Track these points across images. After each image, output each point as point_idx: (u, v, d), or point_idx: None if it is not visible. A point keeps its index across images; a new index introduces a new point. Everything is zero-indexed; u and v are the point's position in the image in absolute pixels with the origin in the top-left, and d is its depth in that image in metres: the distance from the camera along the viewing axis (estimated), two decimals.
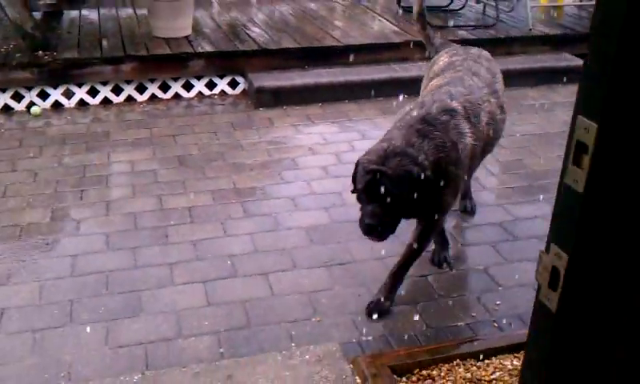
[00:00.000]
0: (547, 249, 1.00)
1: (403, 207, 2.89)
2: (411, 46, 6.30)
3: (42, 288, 3.36)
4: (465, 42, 6.49)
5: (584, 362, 1.02)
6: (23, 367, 2.84)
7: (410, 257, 3.22)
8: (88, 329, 3.07)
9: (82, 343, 2.98)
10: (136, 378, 2.71)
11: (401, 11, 7.49)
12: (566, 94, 6.15)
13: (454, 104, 3.10)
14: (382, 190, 2.79)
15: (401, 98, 4.53)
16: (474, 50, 3.77)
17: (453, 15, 7.45)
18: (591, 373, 1.02)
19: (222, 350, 2.95)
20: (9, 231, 3.86)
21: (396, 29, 6.92)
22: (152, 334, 3.04)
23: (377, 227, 2.86)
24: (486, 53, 3.79)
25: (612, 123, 0.87)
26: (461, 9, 7.56)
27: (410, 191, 2.81)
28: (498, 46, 6.57)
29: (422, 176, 2.81)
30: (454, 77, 3.40)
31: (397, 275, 3.23)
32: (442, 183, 2.93)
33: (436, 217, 3.15)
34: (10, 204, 4.17)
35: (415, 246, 3.18)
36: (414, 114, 3.06)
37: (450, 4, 7.63)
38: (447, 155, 2.96)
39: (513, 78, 6.23)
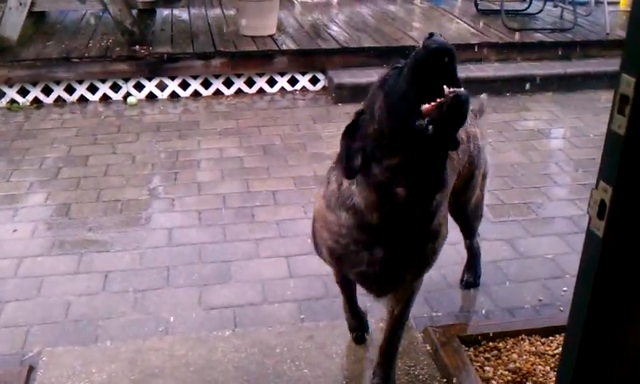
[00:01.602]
0: (597, 185, 1.22)
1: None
2: (487, 47, 6.49)
3: (141, 255, 3.73)
4: (542, 45, 6.64)
5: (627, 283, 1.24)
6: (126, 321, 3.19)
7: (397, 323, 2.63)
8: (183, 291, 3.40)
9: (177, 303, 3.31)
10: (227, 333, 3.02)
11: (478, 13, 7.66)
12: None
13: None
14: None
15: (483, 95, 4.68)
16: None
17: (530, 19, 7.55)
18: (632, 291, 1.23)
19: (302, 316, 3.22)
20: (111, 205, 4.26)
21: (473, 30, 7.08)
22: (240, 299, 3.35)
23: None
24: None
25: None
26: (538, 13, 7.64)
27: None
28: (574, 49, 6.66)
29: None
30: None
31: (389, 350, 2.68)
32: None
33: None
34: (111, 182, 4.59)
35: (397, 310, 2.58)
36: None
37: (527, 8, 7.72)
38: None
39: (588, 81, 6.35)
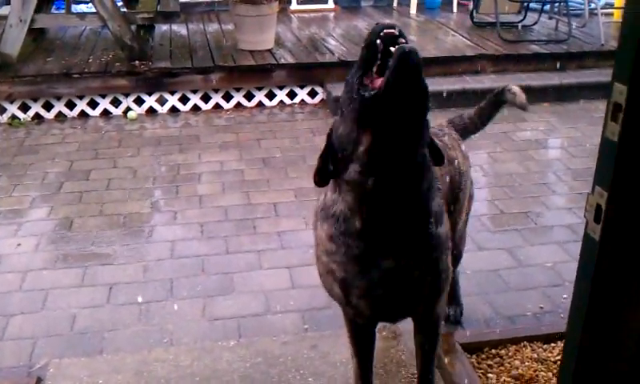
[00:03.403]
0: (593, 191, 1.27)
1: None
2: (483, 59, 6.57)
3: (145, 268, 3.76)
4: (537, 56, 6.72)
5: (624, 283, 1.28)
6: (131, 333, 3.22)
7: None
8: (187, 303, 3.44)
9: (181, 315, 3.35)
10: (232, 343, 3.05)
11: (474, 26, 7.76)
12: None
13: None
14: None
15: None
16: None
17: (526, 30, 7.63)
18: (628, 292, 1.28)
19: (306, 326, 3.25)
20: (114, 219, 4.30)
21: (469, 42, 7.16)
22: (243, 310, 3.38)
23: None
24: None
25: (638, 86, 1.15)
26: (534, 24, 7.73)
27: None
28: (570, 60, 6.75)
29: None
30: None
31: None
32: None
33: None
34: (113, 196, 4.62)
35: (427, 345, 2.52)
36: None
37: (522, 20, 7.81)
38: None
39: (584, 91, 6.43)
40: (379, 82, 1.78)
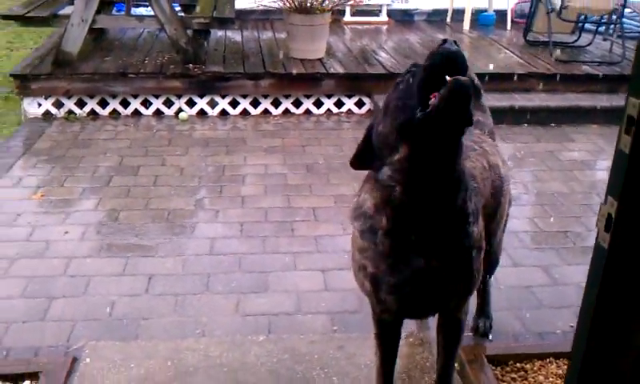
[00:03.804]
0: (605, 201, 1.30)
1: None
2: (534, 77, 6.55)
3: (184, 262, 3.88)
4: (589, 77, 6.65)
5: (629, 290, 1.31)
6: (166, 322, 3.33)
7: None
8: (221, 298, 3.53)
9: (215, 308, 3.44)
10: (261, 338, 3.13)
11: (526, 44, 7.72)
12: None
13: None
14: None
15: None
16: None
17: (579, 51, 7.55)
18: (635, 299, 1.30)
19: (335, 327, 3.31)
20: (158, 213, 4.44)
21: (520, 60, 7.12)
22: (275, 308, 3.45)
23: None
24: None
25: None
26: (588, 45, 7.64)
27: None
28: (622, 82, 6.63)
29: None
30: None
31: None
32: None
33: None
34: (159, 192, 4.77)
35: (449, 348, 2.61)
36: None
37: (576, 40, 7.73)
38: None
39: None
40: (432, 100, 1.86)
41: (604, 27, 8.02)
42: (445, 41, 1.90)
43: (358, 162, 2.19)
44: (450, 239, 2.14)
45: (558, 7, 7.02)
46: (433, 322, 3.03)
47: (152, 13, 6.55)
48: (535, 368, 2.93)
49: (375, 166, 2.08)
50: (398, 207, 2.05)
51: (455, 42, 1.92)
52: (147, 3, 6.77)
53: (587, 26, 7.88)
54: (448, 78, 1.82)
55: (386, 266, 2.18)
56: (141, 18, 7.19)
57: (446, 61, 1.87)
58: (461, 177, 2.06)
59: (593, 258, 1.37)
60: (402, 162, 1.97)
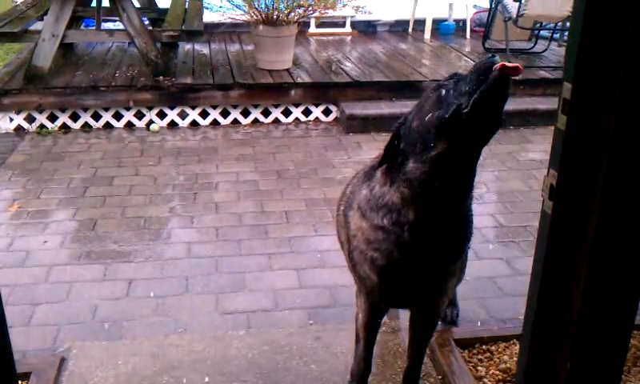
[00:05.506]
0: (548, 173, 1.51)
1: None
2: None
3: (162, 266, 4.01)
4: (545, 81, 6.94)
5: (570, 247, 1.52)
6: (148, 323, 3.46)
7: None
8: (200, 298, 3.68)
9: (195, 308, 3.59)
10: (242, 332, 3.29)
11: (485, 52, 7.99)
12: None
13: None
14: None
15: None
16: None
17: (535, 57, 7.86)
18: (575, 254, 1.52)
19: (311, 321, 3.48)
20: (135, 221, 4.57)
21: None
22: (253, 306, 3.61)
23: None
24: None
25: (580, 83, 1.39)
26: (543, 52, 7.96)
27: None
28: None
29: None
30: None
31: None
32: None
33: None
34: (134, 200, 4.90)
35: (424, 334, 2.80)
36: None
37: (533, 47, 8.05)
38: None
39: None
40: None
41: (559, 34, 8.36)
42: (493, 55, 2.03)
43: (389, 159, 2.22)
44: (459, 236, 2.33)
45: (514, 15, 7.31)
46: (403, 311, 3.24)
47: (121, 27, 6.67)
48: (500, 349, 3.13)
49: (398, 161, 2.17)
50: (430, 201, 2.14)
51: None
52: (116, 18, 6.89)
53: (543, 33, 8.21)
54: (496, 64, 1.93)
55: (400, 258, 2.27)
56: (111, 31, 7.31)
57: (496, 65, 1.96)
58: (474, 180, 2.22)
59: (540, 223, 1.58)
60: (440, 157, 2.06)
